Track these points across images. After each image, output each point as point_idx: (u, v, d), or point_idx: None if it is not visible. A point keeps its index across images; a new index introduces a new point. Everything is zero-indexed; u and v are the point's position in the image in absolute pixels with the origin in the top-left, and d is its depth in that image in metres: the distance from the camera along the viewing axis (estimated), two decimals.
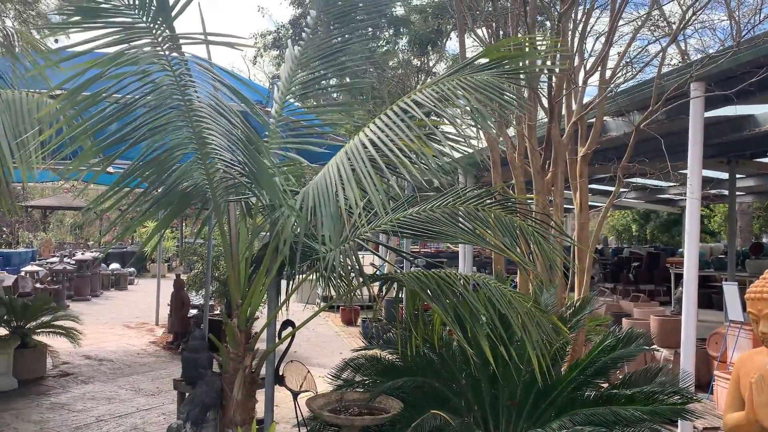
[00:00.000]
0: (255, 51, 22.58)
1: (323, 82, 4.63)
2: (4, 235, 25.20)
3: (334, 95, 5.03)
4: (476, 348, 4.08)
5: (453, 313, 3.47)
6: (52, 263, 15.96)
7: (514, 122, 6.95)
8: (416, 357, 4.65)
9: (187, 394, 4.29)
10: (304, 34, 4.61)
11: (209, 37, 3.39)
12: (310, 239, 3.84)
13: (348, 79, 4.89)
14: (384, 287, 4.40)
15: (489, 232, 3.89)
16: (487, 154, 7.52)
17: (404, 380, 4.53)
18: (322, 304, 4.77)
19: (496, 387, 4.44)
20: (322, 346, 10.28)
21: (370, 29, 5.05)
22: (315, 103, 4.67)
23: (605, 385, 4.64)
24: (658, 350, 7.47)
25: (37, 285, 13.72)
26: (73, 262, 15.99)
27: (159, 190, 3.67)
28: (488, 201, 4.14)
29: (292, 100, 4.52)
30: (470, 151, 5.71)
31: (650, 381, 4.40)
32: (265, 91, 5.60)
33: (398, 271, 4.18)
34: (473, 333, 3.49)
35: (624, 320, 8.47)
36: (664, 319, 8.09)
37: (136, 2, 3.04)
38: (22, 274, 14.47)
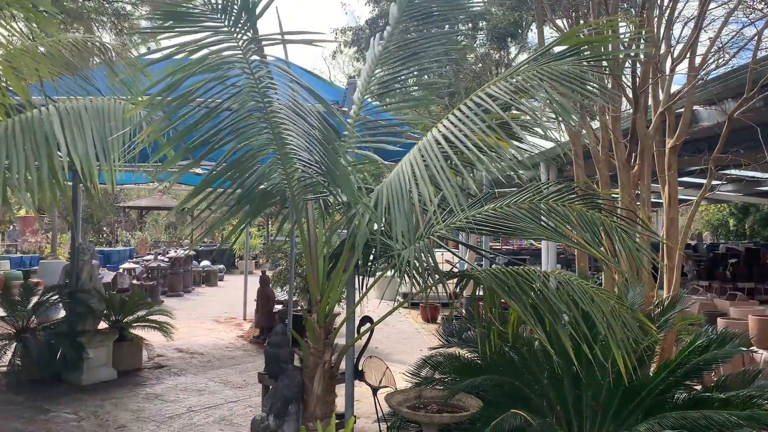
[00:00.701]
0: (335, 47, 22.87)
1: (401, 80, 4.64)
2: (104, 235, 26.87)
3: (413, 93, 5.02)
4: (558, 347, 3.98)
5: (532, 311, 3.40)
6: (147, 261, 16.86)
7: (597, 113, 6.71)
8: (495, 355, 4.59)
9: (270, 388, 4.42)
10: (385, 33, 4.63)
11: (287, 37, 3.46)
12: (386, 236, 3.86)
13: (427, 77, 4.88)
14: (461, 285, 4.37)
15: (570, 228, 3.78)
16: (569, 147, 7.30)
17: (483, 378, 4.48)
18: (402, 301, 4.79)
19: (580, 387, 4.31)
20: (402, 342, 10.33)
21: (447, 26, 5.01)
22: (391, 102, 4.69)
23: (697, 388, 4.41)
24: (757, 352, 7.02)
25: (134, 281, 14.54)
26: (167, 259, 16.82)
27: (240, 190, 3.79)
28: (570, 196, 4.02)
29: (369, 100, 4.56)
30: (550, 144, 5.56)
31: (748, 384, 4.15)
32: (343, 90, 5.68)
33: (476, 268, 4.13)
34: (554, 331, 3.41)
35: (719, 320, 8.01)
36: (764, 319, 7.60)
37: (219, 6, 3.15)
38: (121, 271, 15.38)
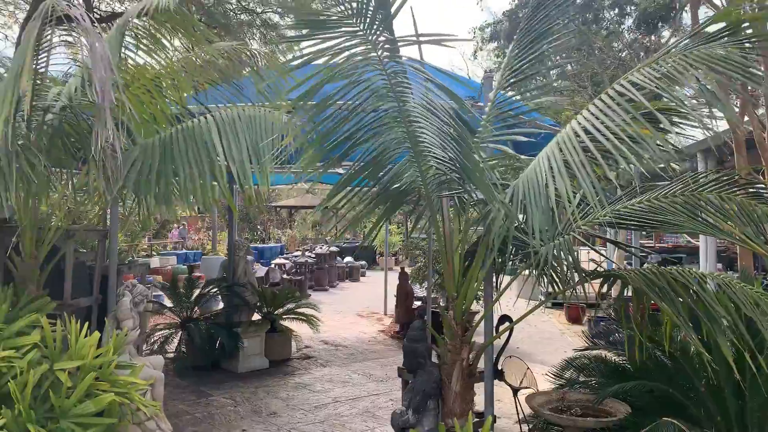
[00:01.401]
0: (474, 46, 22.63)
1: (541, 72, 4.49)
2: (258, 232, 28.71)
3: (554, 84, 4.84)
4: (716, 354, 3.65)
5: (687, 315, 3.14)
6: (296, 257, 17.80)
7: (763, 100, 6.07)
8: (646, 359, 4.31)
9: (409, 382, 4.48)
10: (523, 24, 4.52)
11: (421, 38, 3.48)
12: (523, 233, 3.76)
13: (570, 66, 4.69)
14: (608, 284, 4.15)
15: (729, 222, 3.45)
16: (729, 136, 6.67)
17: (633, 384, 4.22)
18: (543, 300, 4.64)
19: (742, 397, 3.93)
20: (544, 343, 10.03)
21: (590, 14, 4.78)
22: (531, 95, 4.55)
23: None
24: None
25: (284, 276, 15.40)
26: (314, 255, 17.65)
27: (377, 188, 3.87)
28: (731, 188, 3.68)
29: (507, 93, 4.47)
30: (706, 134, 5.11)
31: None
32: (478, 86, 5.61)
33: (624, 267, 3.90)
34: (713, 338, 3.13)
35: None
36: None
37: (354, 12, 3.24)
38: (272, 266, 16.35)
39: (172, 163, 3.54)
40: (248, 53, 4.31)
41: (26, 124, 3.39)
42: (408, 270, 11.41)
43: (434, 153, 3.69)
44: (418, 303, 10.70)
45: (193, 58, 3.91)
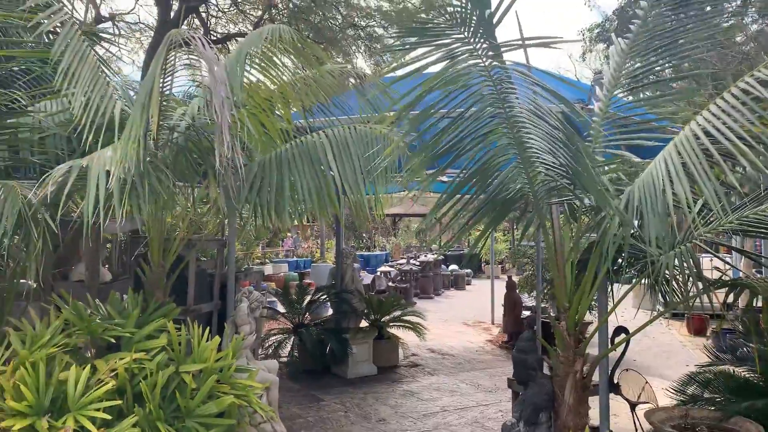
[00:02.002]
0: (582, 47, 21.90)
1: (655, 71, 4.28)
2: (363, 240, 29.22)
3: (670, 84, 4.60)
4: None
5: None
6: (401, 264, 17.95)
7: None
8: None
9: (519, 394, 4.40)
10: (634, 21, 4.34)
11: (527, 41, 3.42)
12: (639, 241, 3.59)
13: (687, 65, 4.45)
14: (734, 294, 3.88)
15: None
16: None
17: (765, 402, 3.91)
18: (661, 311, 4.37)
19: None
20: (663, 356, 9.48)
21: (708, 6, 4.50)
22: (645, 95, 4.35)
23: None
24: None
25: (390, 284, 15.57)
26: (418, 263, 17.72)
27: (483, 196, 3.85)
28: None
29: (620, 95, 4.30)
30: None
31: None
32: (587, 88, 5.43)
33: (753, 276, 3.63)
34: None
35: None
36: None
37: (458, 19, 3.25)
38: (378, 273, 16.58)
39: (287, 176, 3.72)
40: (354, 73, 4.43)
41: (154, 143, 3.66)
42: (515, 278, 11.19)
43: (543, 159, 3.61)
44: (526, 312, 10.47)
45: (303, 78, 4.08)
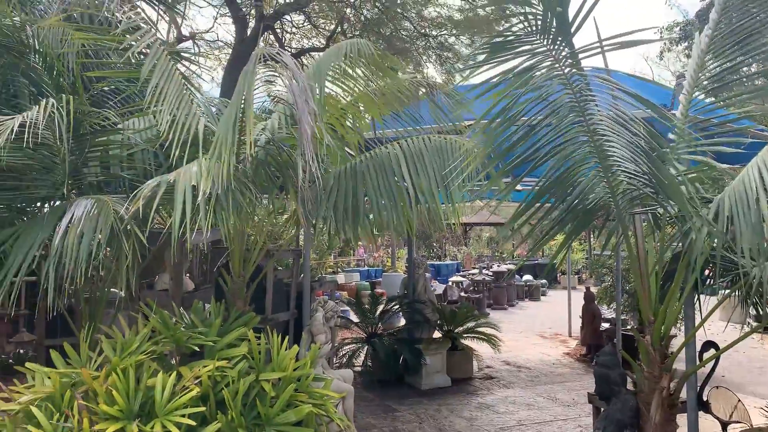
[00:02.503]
0: (660, 47, 21.13)
1: (739, 69, 4.07)
2: (434, 249, 29.12)
3: (757, 82, 4.37)
4: None
5: None
6: (473, 274, 17.77)
7: None
8: None
9: (602, 410, 4.25)
10: (712, 19, 4.15)
11: (606, 44, 3.32)
12: (730, 252, 3.41)
13: None
14: None
15: None
16: None
17: None
18: (754, 324, 4.12)
19: None
20: (756, 372, 8.95)
21: None
22: (729, 96, 4.14)
23: None
24: None
25: (462, 294, 15.43)
26: (491, 273, 17.49)
27: (563, 206, 3.76)
28: None
29: (701, 97, 4.11)
30: None
31: None
32: (669, 92, 5.23)
33: None
34: None
35: None
36: None
37: (537, 28, 3.20)
38: (450, 284, 16.48)
39: (362, 188, 3.76)
40: (427, 83, 4.44)
41: (236, 158, 3.78)
42: (593, 290, 10.85)
43: (624, 167, 3.49)
44: (605, 325, 10.13)
45: (378, 89, 4.12)
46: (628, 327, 9.26)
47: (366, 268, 21.82)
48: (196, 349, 3.79)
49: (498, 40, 3.38)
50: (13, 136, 3.25)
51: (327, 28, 12.40)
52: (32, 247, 3.47)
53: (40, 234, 3.55)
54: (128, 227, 3.29)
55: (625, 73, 5.51)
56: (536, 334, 12.63)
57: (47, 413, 3.19)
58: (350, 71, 3.94)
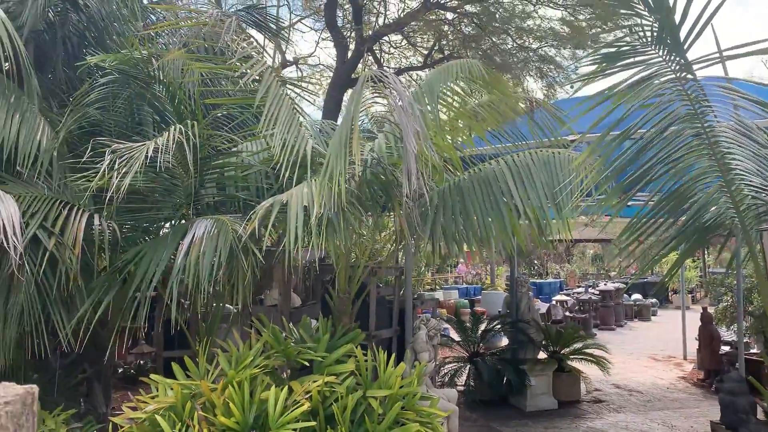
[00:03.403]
0: None
1: None
2: (535, 267, 28.39)
3: None
4: None
5: None
6: (578, 293, 17.14)
7: None
8: None
9: None
10: None
11: (727, 53, 3.15)
12: None
13: None
14: None
15: None
16: None
17: None
18: None
19: None
20: None
21: None
22: None
23: None
24: None
25: (566, 313, 14.91)
26: (597, 292, 16.79)
27: (678, 223, 3.58)
28: None
29: None
30: None
31: None
32: None
33: None
34: None
35: None
36: None
37: (650, 39, 3.09)
38: (553, 302, 15.97)
39: (467, 205, 3.75)
40: (531, 98, 4.38)
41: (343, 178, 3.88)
42: (711, 310, 10.17)
43: (749, 180, 3.27)
44: (725, 348, 9.44)
45: (481, 105, 4.11)
46: (753, 351, 8.60)
47: (464, 285, 21.62)
48: (306, 363, 3.90)
49: (608, 51, 3.29)
50: (147, 161, 3.52)
51: (425, 45, 12.50)
52: (158, 265, 3.71)
53: (164, 252, 3.79)
54: (246, 246, 3.45)
55: (743, 80, 5.19)
56: (647, 356, 11.98)
57: (170, 422, 3.38)
58: (458, 89, 3.95)
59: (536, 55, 10.65)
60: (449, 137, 4.43)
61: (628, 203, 6.89)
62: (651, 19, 3.10)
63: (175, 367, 3.82)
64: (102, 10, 5.48)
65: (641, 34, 3.16)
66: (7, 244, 3.47)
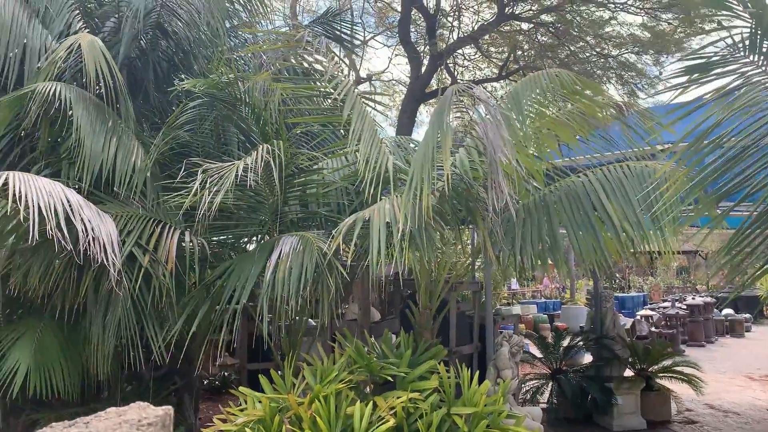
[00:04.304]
0: None
1: None
2: (616, 280, 27.37)
3: None
4: None
5: None
6: (663, 308, 16.37)
7: None
8: None
9: None
10: None
11: None
12: None
13: None
14: None
15: None
16: None
17: None
18: None
19: None
20: None
21: None
22: None
23: None
24: None
25: (652, 329, 14.27)
26: (684, 306, 16.00)
27: None
28: None
29: None
30: None
31: None
32: None
33: None
34: None
35: None
36: None
37: (745, 45, 2.94)
38: (638, 317, 15.33)
39: (553, 219, 3.67)
40: (618, 104, 4.24)
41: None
42: None
43: None
44: None
45: (567, 115, 4.01)
46: None
47: (543, 300, 21.10)
48: (389, 379, 3.89)
49: (697, 61, 3.15)
50: (237, 180, 3.64)
51: (499, 57, 12.40)
52: (248, 280, 3.82)
53: (252, 268, 3.90)
54: (331, 262, 3.50)
55: None
56: (743, 375, 11.28)
57: None
58: (542, 100, 3.88)
59: (616, 62, 10.35)
60: (534, 151, 4.35)
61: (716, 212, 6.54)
62: (748, 20, 2.95)
63: (262, 380, 3.90)
64: (189, 36, 5.74)
65: (737, 38, 3.02)
66: (107, 261, 3.66)
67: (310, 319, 5.36)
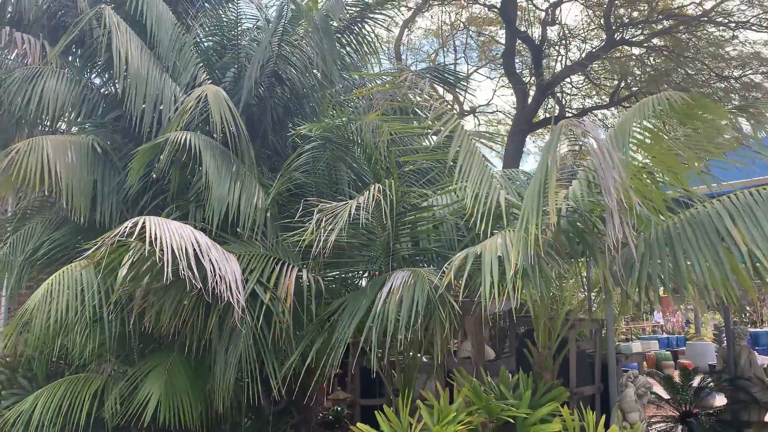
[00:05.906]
0: None
1: None
2: (747, 314, 25.18)
3: None
4: None
5: None
6: None
7: None
8: None
9: None
10: None
11: None
12: None
13: None
14: None
15: None
16: None
17: None
18: None
19: None
20: None
21: None
22: None
23: None
24: None
25: None
26: None
27: None
28: None
29: None
30: None
31: None
32: None
33: None
34: None
35: None
36: None
37: None
38: None
39: (678, 251, 3.47)
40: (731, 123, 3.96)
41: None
42: None
43: None
44: None
45: (687, 141, 3.81)
46: None
47: (665, 335, 19.79)
48: (510, 420, 3.78)
49: None
50: (351, 218, 3.74)
51: (609, 84, 12.01)
52: (356, 313, 3.88)
53: (363, 301, 3.95)
54: (443, 297, 3.49)
55: None
56: None
57: None
58: (652, 127, 3.70)
59: (739, 83, 9.71)
60: (650, 180, 4.14)
61: None
62: None
63: (379, 417, 3.90)
64: (303, 81, 6.03)
65: None
66: (232, 298, 3.85)
67: (420, 356, 5.33)
